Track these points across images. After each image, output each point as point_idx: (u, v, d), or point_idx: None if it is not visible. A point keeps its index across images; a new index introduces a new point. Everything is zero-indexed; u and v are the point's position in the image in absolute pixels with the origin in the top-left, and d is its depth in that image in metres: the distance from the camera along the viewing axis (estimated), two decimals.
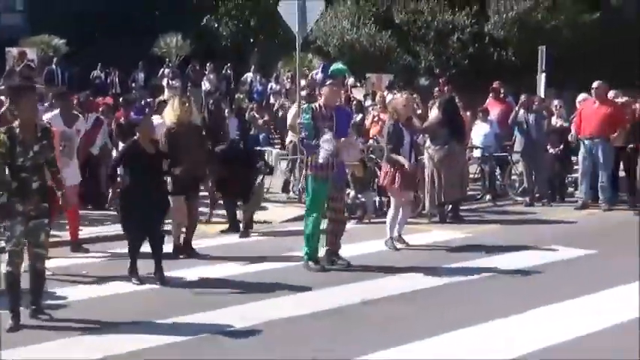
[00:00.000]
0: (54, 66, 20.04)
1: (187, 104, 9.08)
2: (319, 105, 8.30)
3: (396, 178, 9.22)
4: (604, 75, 13.70)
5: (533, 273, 8.04)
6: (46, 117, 8.88)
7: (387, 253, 9.16)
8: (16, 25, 30.93)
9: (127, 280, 7.61)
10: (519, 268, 8.20)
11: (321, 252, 8.42)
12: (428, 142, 11.43)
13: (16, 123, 6.19)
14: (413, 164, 9.35)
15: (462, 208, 11.92)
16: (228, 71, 24.82)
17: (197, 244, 9.23)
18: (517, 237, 10.07)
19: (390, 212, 9.52)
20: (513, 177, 14.08)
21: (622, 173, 12.96)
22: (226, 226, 10.60)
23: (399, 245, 9.42)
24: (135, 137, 7.91)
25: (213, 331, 6.00)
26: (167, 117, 9.15)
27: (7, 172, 6.06)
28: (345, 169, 8.73)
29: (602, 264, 8.37)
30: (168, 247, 8.65)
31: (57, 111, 9.24)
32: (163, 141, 8.57)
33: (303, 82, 15.38)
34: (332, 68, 8.66)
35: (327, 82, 8.35)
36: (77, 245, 9.25)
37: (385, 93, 17.39)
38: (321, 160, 8.01)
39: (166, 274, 7.72)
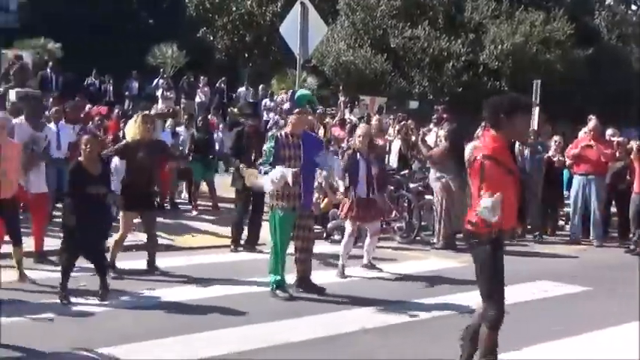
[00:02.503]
0: (48, 70, 19.75)
1: (150, 123, 9.01)
2: (285, 133, 8.09)
3: (350, 208, 9.21)
4: (594, 110, 13.90)
5: (528, 308, 7.97)
6: (14, 122, 8.98)
7: (376, 282, 9.08)
8: (9, 26, 30.65)
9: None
10: (515, 302, 8.15)
11: (292, 279, 8.26)
12: (438, 173, 11.57)
13: None
14: (377, 195, 9.43)
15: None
16: (222, 85, 24.61)
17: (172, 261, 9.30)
18: (512, 269, 10.01)
19: (344, 240, 9.38)
20: None
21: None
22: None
23: (370, 273, 9.40)
24: (79, 158, 7.77)
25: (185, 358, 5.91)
26: (128, 132, 9.11)
27: None
28: (312, 198, 8.46)
29: (601, 301, 8.43)
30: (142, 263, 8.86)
31: (23, 116, 9.37)
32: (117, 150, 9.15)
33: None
34: (297, 95, 8.35)
35: (295, 110, 8.08)
36: (40, 256, 8.88)
37: (378, 116, 17.42)
38: (268, 191, 7.93)
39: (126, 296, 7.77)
